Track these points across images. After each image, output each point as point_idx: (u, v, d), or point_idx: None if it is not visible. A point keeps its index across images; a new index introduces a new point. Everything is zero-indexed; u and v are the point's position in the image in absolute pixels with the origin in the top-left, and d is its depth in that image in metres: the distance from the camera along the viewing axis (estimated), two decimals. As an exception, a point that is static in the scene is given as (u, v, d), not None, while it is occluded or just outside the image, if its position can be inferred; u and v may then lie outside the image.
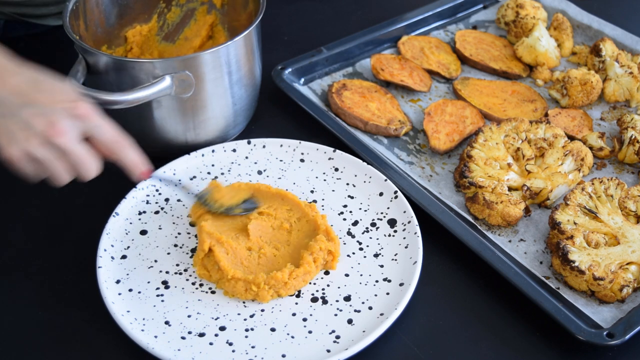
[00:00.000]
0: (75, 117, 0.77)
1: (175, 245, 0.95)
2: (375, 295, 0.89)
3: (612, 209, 0.95)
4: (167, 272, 0.92)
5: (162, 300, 0.88)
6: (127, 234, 0.96)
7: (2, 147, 0.78)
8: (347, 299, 0.89)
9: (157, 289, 0.90)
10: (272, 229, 0.96)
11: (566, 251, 0.89)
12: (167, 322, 0.85)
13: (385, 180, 1.02)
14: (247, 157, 1.08)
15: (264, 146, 1.08)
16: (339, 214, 0.99)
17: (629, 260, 0.90)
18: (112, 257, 0.92)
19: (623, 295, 0.88)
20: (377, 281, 0.90)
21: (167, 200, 1.01)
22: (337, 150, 1.06)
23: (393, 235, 0.96)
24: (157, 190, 1.02)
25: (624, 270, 0.89)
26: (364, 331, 0.84)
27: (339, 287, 0.90)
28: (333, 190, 1.03)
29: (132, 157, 0.85)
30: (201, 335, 0.84)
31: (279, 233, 0.95)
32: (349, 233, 0.97)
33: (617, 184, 0.98)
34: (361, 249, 0.95)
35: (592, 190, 0.97)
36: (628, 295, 0.89)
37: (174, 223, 0.98)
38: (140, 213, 0.99)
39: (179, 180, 0.94)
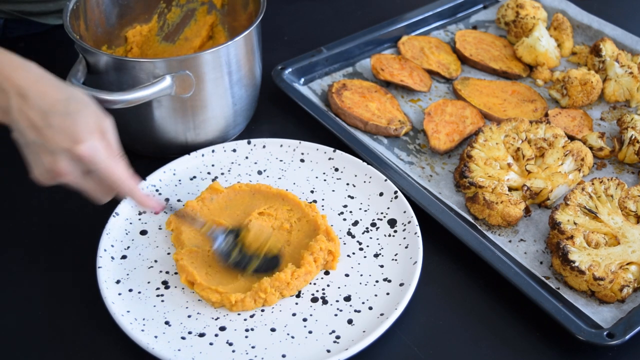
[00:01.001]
0: (76, 159, 0.77)
1: (176, 245, 0.95)
2: (375, 295, 0.89)
3: (612, 209, 0.95)
4: (167, 272, 0.91)
5: (162, 301, 0.88)
6: (127, 234, 0.96)
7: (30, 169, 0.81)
8: (347, 299, 0.89)
9: (157, 289, 0.90)
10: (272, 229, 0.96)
11: (566, 251, 0.89)
12: (167, 322, 0.85)
13: (385, 180, 1.02)
14: (247, 157, 1.08)
15: (264, 146, 1.08)
16: (339, 214, 0.99)
17: (629, 260, 0.90)
18: (112, 257, 0.92)
19: (623, 295, 0.88)
20: (377, 281, 0.90)
21: (167, 200, 1.01)
22: (337, 150, 1.07)
23: (393, 236, 0.96)
24: (157, 191, 1.02)
25: (624, 271, 0.89)
26: (364, 331, 0.84)
27: (339, 287, 0.90)
28: (333, 191, 1.03)
29: (138, 197, 0.84)
30: (201, 335, 0.84)
31: (278, 233, 0.95)
32: (349, 233, 0.97)
33: (617, 184, 0.98)
34: (361, 249, 0.95)
35: (592, 190, 0.97)
36: (628, 295, 0.89)
37: (174, 223, 0.98)
38: (140, 213, 0.99)
39: (201, 221, 0.92)
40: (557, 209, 0.95)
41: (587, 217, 0.94)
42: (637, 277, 0.90)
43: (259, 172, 1.06)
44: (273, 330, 0.85)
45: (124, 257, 0.93)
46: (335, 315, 0.87)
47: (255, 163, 1.07)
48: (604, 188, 0.97)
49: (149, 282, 0.90)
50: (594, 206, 0.95)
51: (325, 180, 1.05)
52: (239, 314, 0.87)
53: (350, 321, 0.86)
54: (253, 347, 0.83)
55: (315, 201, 1.01)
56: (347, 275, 0.92)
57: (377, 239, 0.96)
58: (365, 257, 0.94)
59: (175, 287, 0.90)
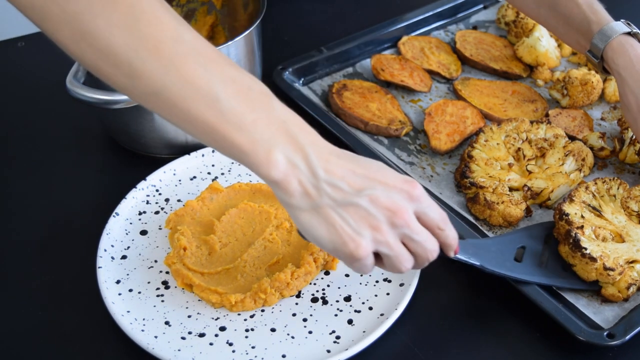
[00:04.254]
0: (410, 198, 0.71)
1: (176, 246, 0.95)
2: (376, 295, 0.89)
3: (615, 209, 0.95)
4: (167, 272, 0.91)
5: (162, 301, 0.88)
6: (127, 234, 0.96)
7: (340, 239, 0.70)
8: (347, 299, 0.89)
9: (157, 289, 0.89)
10: (240, 219, 0.96)
11: (578, 238, 0.89)
12: (167, 323, 0.85)
13: (386, 180, 1.01)
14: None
15: (264, 146, 1.08)
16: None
17: (634, 259, 0.90)
18: (112, 257, 0.92)
19: (629, 294, 0.88)
20: (377, 281, 0.90)
21: (167, 200, 1.01)
22: (338, 151, 1.06)
23: (393, 236, 0.96)
24: (157, 191, 1.02)
25: (630, 268, 0.89)
26: (364, 331, 0.84)
27: (339, 288, 0.90)
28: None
29: (453, 234, 0.77)
30: (201, 335, 0.84)
31: (278, 232, 0.95)
32: (349, 233, 0.97)
33: (619, 184, 0.98)
34: (361, 249, 0.95)
35: (595, 189, 0.97)
36: (633, 294, 0.89)
37: (174, 223, 0.98)
38: (140, 213, 0.99)
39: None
40: (563, 202, 0.95)
41: (592, 214, 0.94)
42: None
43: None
44: (273, 330, 0.85)
45: (124, 257, 0.93)
46: (335, 315, 0.87)
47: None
48: (606, 187, 0.97)
49: (149, 282, 0.90)
50: (597, 205, 0.95)
51: (325, 180, 1.04)
52: (239, 314, 0.87)
53: (350, 321, 0.86)
54: (253, 347, 0.83)
55: (315, 201, 1.01)
56: (347, 275, 0.92)
57: (377, 239, 0.96)
58: (365, 257, 0.94)
59: (175, 287, 0.90)
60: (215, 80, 0.67)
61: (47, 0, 0.65)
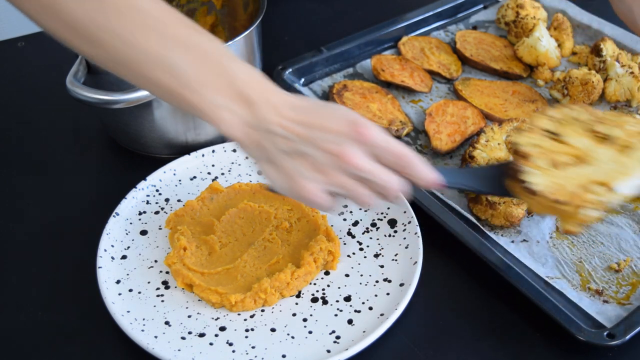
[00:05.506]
0: (359, 140, 0.73)
1: (176, 246, 0.95)
2: (376, 295, 0.89)
3: (579, 132, 0.89)
4: (167, 272, 0.91)
5: (162, 301, 0.88)
6: (127, 234, 0.96)
7: (294, 189, 0.75)
8: (347, 299, 0.89)
9: (157, 289, 0.89)
10: (240, 219, 0.96)
11: (519, 170, 0.84)
12: (167, 322, 0.85)
13: (386, 180, 1.01)
14: (247, 157, 1.07)
15: (264, 146, 1.08)
16: (339, 214, 0.99)
17: (597, 180, 0.83)
18: (112, 257, 0.92)
19: (589, 219, 0.82)
20: (377, 281, 0.90)
21: (167, 200, 1.01)
22: (338, 151, 1.06)
23: (393, 236, 0.96)
24: (157, 191, 1.02)
25: (590, 192, 0.82)
26: (364, 331, 0.84)
27: (339, 288, 0.90)
28: (333, 191, 1.03)
29: (419, 169, 0.77)
30: (201, 335, 0.84)
31: (278, 232, 0.95)
32: (349, 233, 0.97)
33: (587, 109, 0.92)
34: (361, 249, 0.95)
35: (559, 114, 0.91)
36: (593, 221, 0.83)
37: (174, 223, 0.98)
38: (140, 213, 0.99)
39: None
40: (516, 131, 0.89)
41: (553, 142, 0.88)
42: (606, 199, 0.83)
43: (259, 172, 1.05)
44: (273, 330, 0.85)
45: (124, 257, 0.93)
46: (335, 315, 0.87)
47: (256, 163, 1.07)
48: (572, 114, 0.91)
49: (149, 282, 0.90)
50: (556, 129, 0.90)
51: (325, 180, 1.04)
52: (239, 314, 0.87)
53: (350, 321, 0.86)
54: (253, 347, 0.83)
55: (315, 201, 1.01)
56: (347, 275, 0.92)
57: (377, 239, 0.96)
58: (365, 257, 0.94)
59: (175, 287, 0.90)
60: (171, 46, 0.72)
61: None
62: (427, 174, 0.78)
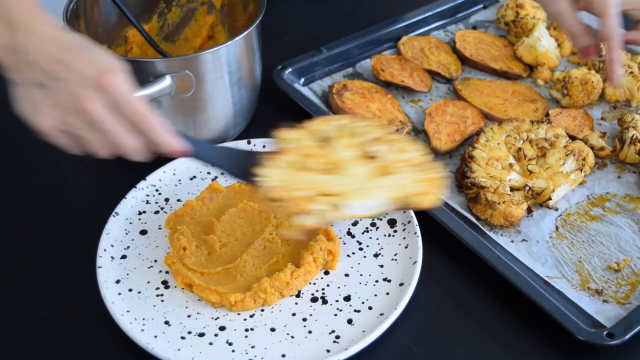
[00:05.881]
0: (98, 88, 0.74)
1: (175, 245, 0.95)
2: (375, 295, 0.89)
3: (351, 145, 0.87)
4: (167, 272, 0.91)
5: (162, 300, 0.88)
6: (127, 234, 0.96)
7: (31, 118, 0.76)
8: (347, 299, 0.89)
9: (157, 288, 0.89)
10: (239, 218, 0.96)
11: (259, 162, 0.83)
12: (167, 322, 0.85)
13: (386, 180, 1.01)
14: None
15: (264, 146, 1.08)
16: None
17: (331, 192, 0.82)
18: (112, 257, 0.92)
19: (301, 226, 0.80)
20: (377, 281, 0.90)
21: (167, 200, 1.01)
22: (338, 150, 1.06)
23: (393, 235, 0.96)
24: (157, 190, 1.02)
25: (314, 201, 0.81)
26: (363, 331, 0.84)
27: (338, 287, 0.90)
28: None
29: (158, 134, 0.78)
30: (201, 335, 0.84)
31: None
32: (348, 233, 0.97)
33: (381, 127, 0.90)
34: (361, 249, 0.95)
35: (343, 122, 0.89)
36: (307, 228, 0.81)
37: (174, 223, 0.98)
38: (140, 213, 0.99)
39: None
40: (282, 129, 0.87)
41: (316, 145, 0.87)
42: (329, 213, 0.82)
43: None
44: (273, 330, 0.85)
45: (123, 257, 0.93)
46: (335, 315, 0.87)
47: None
48: (357, 125, 0.89)
49: (148, 282, 0.90)
50: (333, 135, 0.88)
51: (325, 180, 1.04)
52: (238, 314, 0.87)
53: (350, 321, 0.86)
54: (253, 347, 0.83)
55: (315, 201, 1.01)
56: (346, 275, 0.92)
57: (377, 238, 0.96)
58: (365, 257, 0.94)
59: (175, 287, 0.90)
60: None
61: None
62: (166, 139, 0.78)
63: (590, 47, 1.04)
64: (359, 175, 0.83)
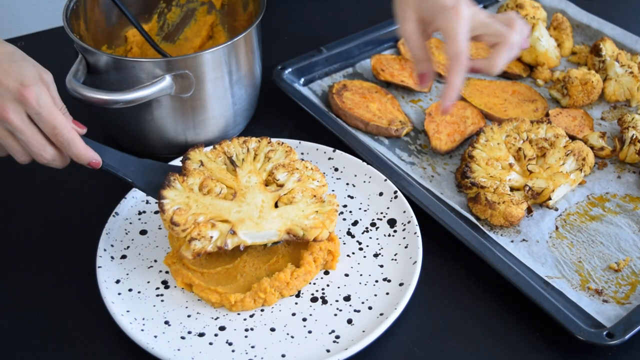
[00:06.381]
0: (23, 101, 0.81)
1: (175, 245, 0.95)
2: (375, 295, 0.89)
3: (256, 170, 0.93)
4: (167, 272, 0.91)
5: (162, 300, 0.88)
6: (127, 234, 0.96)
7: None
8: (347, 298, 0.89)
9: (157, 288, 0.89)
10: None
11: (167, 183, 0.88)
12: (166, 322, 0.85)
13: (385, 180, 1.02)
14: None
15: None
16: (338, 214, 0.99)
17: (223, 218, 0.87)
18: (112, 257, 0.92)
19: (192, 249, 0.85)
20: (376, 281, 0.90)
21: (167, 200, 1.01)
22: (337, 150, 1.06)
23: (393, 235, 0.96)
24: (157, 190, 1.02)
25: (208, 226, 0.86)
26: (363, 331, 0.84)
27: (338, 287, 0.90)
28: (333, 190, 1.03)
29: (73, 151, 0.86)
30: (201, 335, 0.84)
31: None
32: (348, 233, 0.97)
33: (268, 143, 0.96)
34: (361, 249, 0.95)
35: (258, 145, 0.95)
36: (199, 252, 0.85)
37: (173, 223, 0.98)
38: (140, 213, 0.99)
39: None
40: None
41: (225, 168, 0.92)
42: (222, 241, 0.86)
43: None
44: (273, 330, 0.85)
45: (123, 257, 0.93)
46: (335, 315, 0.87)
47: None
48: (264, 149, 0.95)
49: (148, 282, 0.90)
50: (244, 159, 0.94)
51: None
52: (238, 314, 0.87)
53: (349, 321, 0.86)
54: (253, 347, 0.83)
55: (315, 201, 1.01)
56: (346, 275, 0.92)
57: (377, 238, 0.96)
58: (365, 257, 0.94)
59: (175, 286, 0.90)
60: None
61: None
62: (80, 152, 0.86)
63: (428, 75, 0.98)
64: (257, 204, 0.89)
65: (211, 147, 0.94)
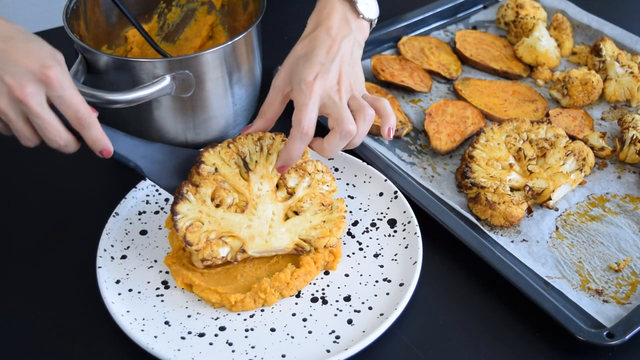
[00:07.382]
0: (42, 82, 0.76)
1: (175, 245, 0.95)
2: (375, 295, 0.89)
3: (264, 174, 0.92)
4: (167, 272, 0.91)
5: (162, 300, 0.88)
6: (127, 234, 0.96)
7: None
8: (347, 299, 0.89)
9: (157, 289, 0.89)
10: None
11: (179, 192, 0.88)
12: (167, 322, 0.85)
13: (385, 180, 1.02)
14: None
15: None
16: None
17: (229, 233, 0.89)
18: (112, 257, 0.92)
19: (204, 265, 0.88)
20: (377, 281, 0.90)
21: (167, 200, 1.01)
22: (338, 150, 1.06)
23: (393, 236, 0.96)
24: (157, 190, 1.02)
25: (218, 244, 0.88)
26: (363, 331, 0.84)
27: (338, 287, 0.90)
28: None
29: (92, 134, 0.82)
30: (201, 335, 0.84)
31: None
32: (349, 233, 0.97)
33: (273, 137, 0.94)
34: (361, 249, 0.95)
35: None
36: (209, 266, 0.88)
37: (174, 223, 0.98)
38: (140, 213, 0.99)
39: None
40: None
41: (236, 174, 0.91)
42: (232, 256, 0.89)
43: None
44: (273, 330, 0.85)
45: (123, 257, 0.93)
46: (335, 315, 0.87)
47: None
48: (267, 143, 0.94)
49: (148, 282, 0.90)
50: (243, 162, 0.93)
51: (325, 180, 1.04)
52: (238, 314, 0.87)
53: (350, 321, 0.86)
54: (253, 347, 0.83)
55: (315, 201, 1.01)
56: (347, 275, 0.92)
57: (377, 239, 0.96)
58: (365, 257, 0.94)
59: (175, 287, 0.90)
60: None
61: None
62: (98, 135, 0.82)
63: (256, 126, 0.96)
64: (267, 217, 0.90)
65: (226, 142, 0.93)
